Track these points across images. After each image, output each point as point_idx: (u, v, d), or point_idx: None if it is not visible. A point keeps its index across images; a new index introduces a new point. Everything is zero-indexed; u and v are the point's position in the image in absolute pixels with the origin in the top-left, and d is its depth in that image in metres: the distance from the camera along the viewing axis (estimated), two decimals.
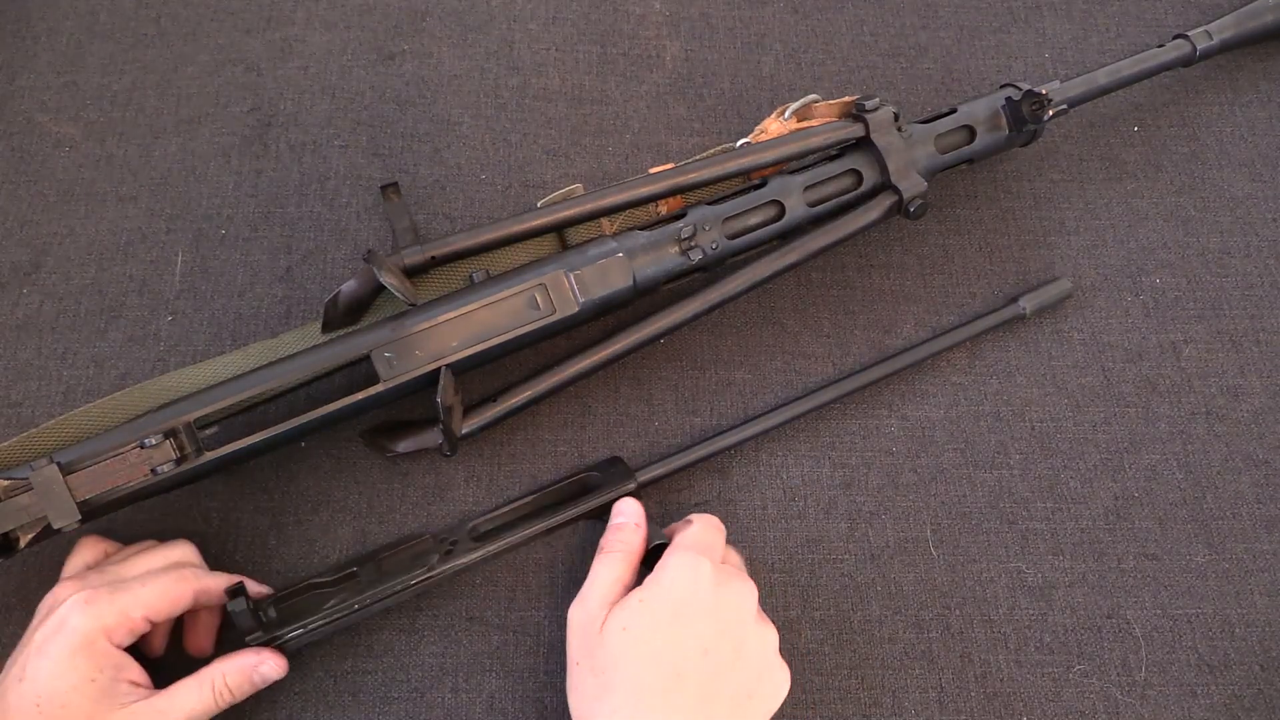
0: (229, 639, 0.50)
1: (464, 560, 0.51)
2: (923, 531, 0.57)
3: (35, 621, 0.45)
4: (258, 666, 0.46)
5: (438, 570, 0.50)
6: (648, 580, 0.47)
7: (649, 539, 0.51)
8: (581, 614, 0.47)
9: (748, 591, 0.47)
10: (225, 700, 0.46)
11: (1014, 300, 0.62)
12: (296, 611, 0.48)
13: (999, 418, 0.60)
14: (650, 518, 0.52)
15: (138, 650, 0.47)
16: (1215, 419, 0.61)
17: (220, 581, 0.48)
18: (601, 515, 0.53)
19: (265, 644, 0.47)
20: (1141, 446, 0.60)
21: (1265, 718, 0.54)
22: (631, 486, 0.53)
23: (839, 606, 0.55)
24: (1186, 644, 0.55)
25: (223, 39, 0.67)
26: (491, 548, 0.51)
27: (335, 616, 0.48)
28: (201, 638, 0.50)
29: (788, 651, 0.53)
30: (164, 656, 0.49)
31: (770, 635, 0.48)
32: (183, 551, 0.49)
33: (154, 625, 0.46)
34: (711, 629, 0.45)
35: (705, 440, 0.56)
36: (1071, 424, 0.60)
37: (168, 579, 0.46)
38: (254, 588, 0.49)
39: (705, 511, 0.54)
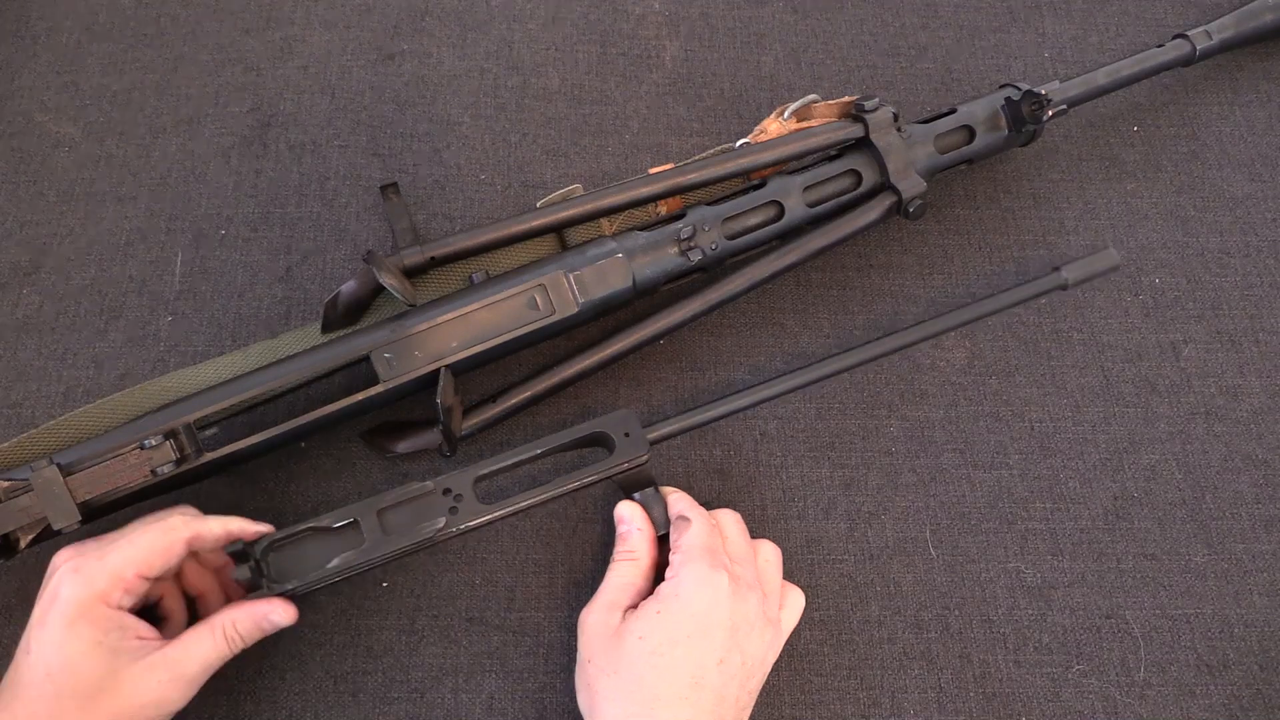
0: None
1: (471, 524, 0.48)
2: (922, 532, 0.57)
3: (41, 589, 0.45)
4: (268, 615, 0.46)
5: (445, 534, 0.48)
6: (664, 590, 0.47)
7: (656, 524, 0.51)
8: (594, 618, 0.47)
9: (756, 599, 0.47)
10: (237, 646, 0.46)
11: (1056, 270, 0.57)
12: (299, 559, 0.47)
13: (999, 418, 0.60)
14: (654, 480, 0.51)
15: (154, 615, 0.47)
16: (1214, 419, 0.61)
17: (216, 527, 0.47)
18: (614, 477, 0.51)
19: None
20: (1141, 446, 0.60)
21: (1264, 718, 0.54)
22: (644, 457, 0.51)
23: (838, 607, 0.55)
24: (1185, 644, 0.55)
25: (222, 39, 0.67)
26: (500, 512, 0.49)
27: (339, 575, 0.47)
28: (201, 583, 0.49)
29: (787, 653, 0.53)
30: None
31: (775, 636, 0.48)
32: (177, 511, 0.48)
33: (151, 580, 0.45)
34: (727, 641, 0.46)
35: (719, 399, 0.54)
36: (1071, 424, 0.60)
37: (154, 532, 0.45)
38: (253, 528, 0.48)
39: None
